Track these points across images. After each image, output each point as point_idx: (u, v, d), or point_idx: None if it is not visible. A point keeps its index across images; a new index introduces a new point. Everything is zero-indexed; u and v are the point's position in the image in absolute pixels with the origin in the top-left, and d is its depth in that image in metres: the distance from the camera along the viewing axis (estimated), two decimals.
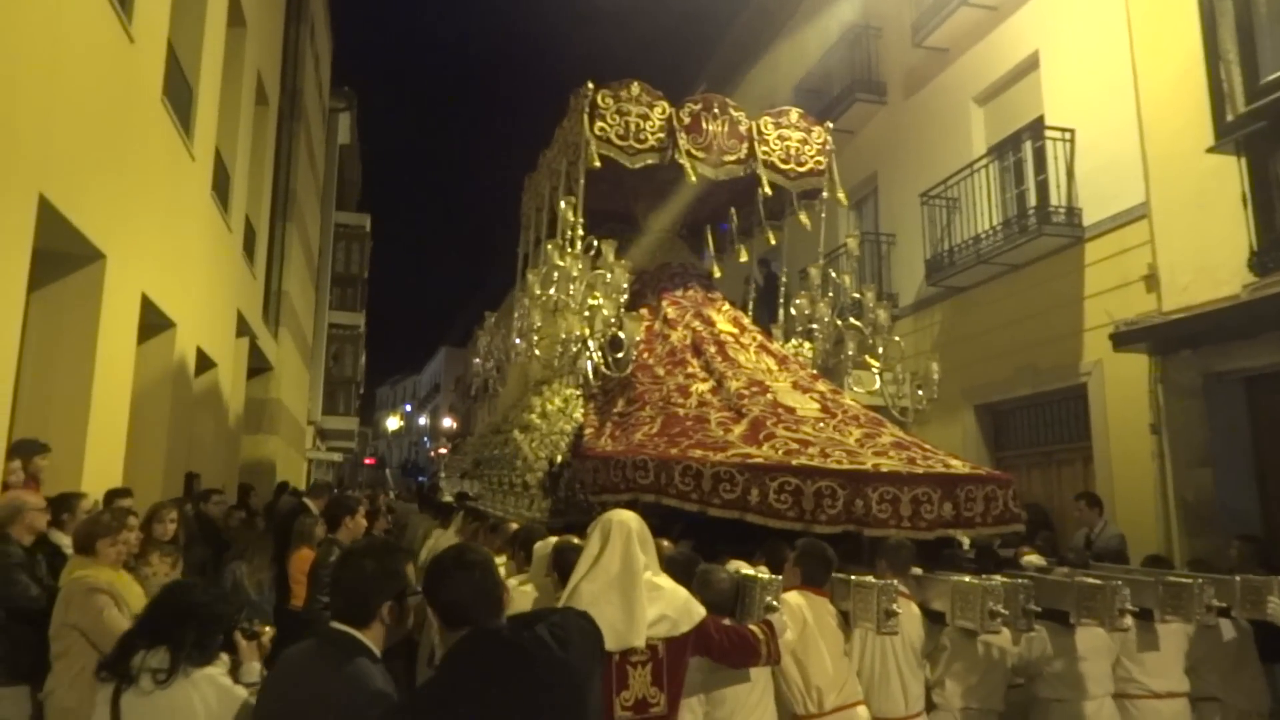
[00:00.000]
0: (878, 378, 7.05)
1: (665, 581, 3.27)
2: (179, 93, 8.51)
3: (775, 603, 3.51)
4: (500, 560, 4.33)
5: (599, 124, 6.85)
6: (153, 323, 8.42)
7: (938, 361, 7.68)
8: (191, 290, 9.56)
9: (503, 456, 7.20)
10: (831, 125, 8.09)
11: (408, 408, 68.14)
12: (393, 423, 66.98)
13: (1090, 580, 4.12)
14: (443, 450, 37.00)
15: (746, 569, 3.80)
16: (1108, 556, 6.81)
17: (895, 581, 3.88)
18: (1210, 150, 6.99)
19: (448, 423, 46.71)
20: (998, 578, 3.98)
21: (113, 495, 6.01)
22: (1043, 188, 9.25)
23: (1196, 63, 7.25)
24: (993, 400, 10.03)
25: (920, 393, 6.90)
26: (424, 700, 2.05)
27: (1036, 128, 9.40)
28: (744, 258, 9.23)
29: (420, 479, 37.42)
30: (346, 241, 27.62)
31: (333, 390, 28.25)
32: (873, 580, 3.82)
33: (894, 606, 3.66)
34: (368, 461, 55.59)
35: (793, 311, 7.98)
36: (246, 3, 11.43)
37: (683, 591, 3.29)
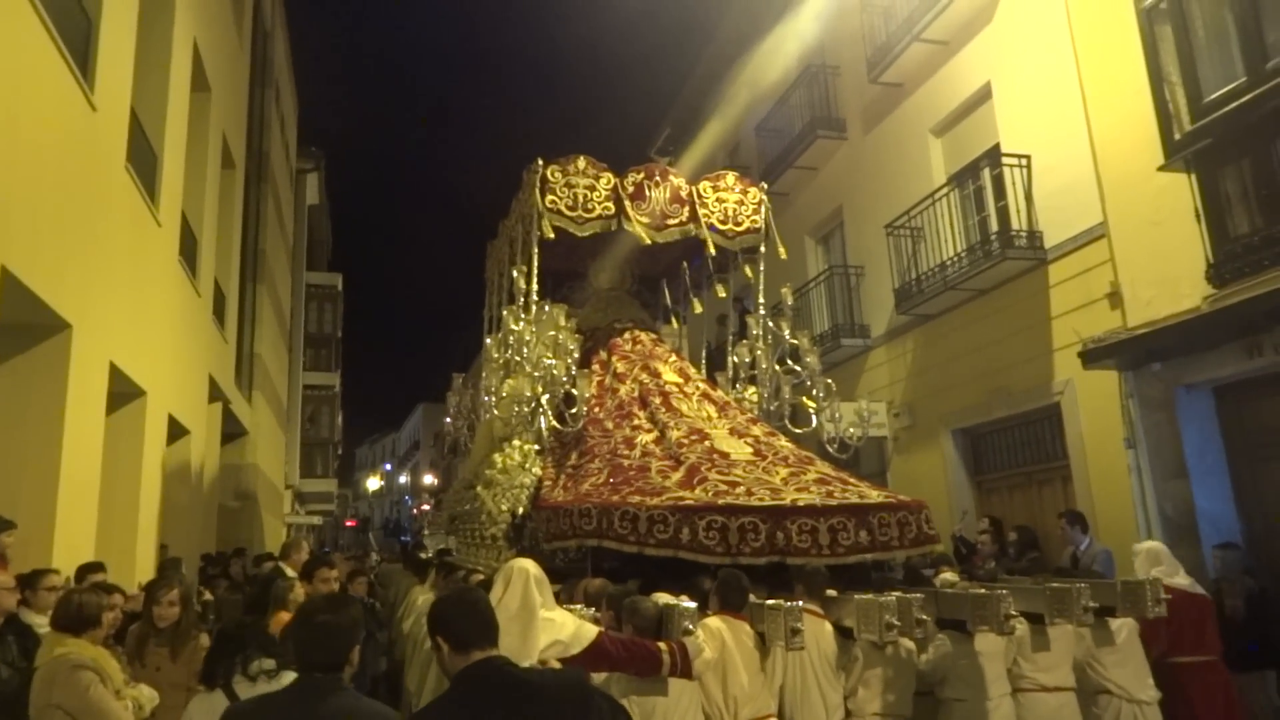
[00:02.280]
0: (814, 417, 7.42)
1: (559, 614, 3.77)
2: (143, 159, 8.52)
3: (691, 626, 3.98)
4: None
5: (549, 197, 7.36)
6: (122, 391, 8.32)
7: (895, 396, 7.72)
8: (161, 357, 9.47)
9: (472, 511, 7.42)
10: (766, 186, 8.64)
11: (388, 467, 67.43)
12: (373, 483, 66.21)
13: (980, 591, 4.59)
14: (425, 507, 36.56)
15: (669, 599, 4.23)
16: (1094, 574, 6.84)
17: (800, 603, 4.31)
18: (1161, 169, 7.17)
19: (429, 479, 46.21)
20: (894, 594, 4.44)
21: (85, 570, 5.86)
22: (1003, 213, 9.43)
23: (1142, 86, 7.47)
24: (970, 425, 10.10)
25: (851, 431, 7.28)
26: (441, 712, 2.35)
27: (994, 155, 9.61)
28: (717, 295, 9.34)
29: (404, 539, 36.87)
30: (318, 301, 27.56)
31: (310, 452, 27.94)
32: (781, 603, 4.24)
33: (798, 625, 4.11)
34: (349, 524, 54.77)
35: (734, 360, 8.49)
36: (210, 68, 11.51)
37: (574, 621, 3.77)
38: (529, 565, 3.74)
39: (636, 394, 7.27)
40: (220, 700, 3.39)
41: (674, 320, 9.69)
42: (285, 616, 5.81)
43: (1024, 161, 9.15)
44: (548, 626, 3.62)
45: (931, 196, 10.19)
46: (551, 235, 7.30)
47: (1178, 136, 6.99)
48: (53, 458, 6.36)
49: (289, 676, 3.27)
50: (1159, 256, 7.50)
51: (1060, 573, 5.87)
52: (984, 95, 9.99)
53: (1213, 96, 6.90)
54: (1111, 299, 8.02)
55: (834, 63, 13.00)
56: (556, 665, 3.46)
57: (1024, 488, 9.58)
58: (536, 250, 7.34)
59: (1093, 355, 7.79)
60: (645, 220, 7.66)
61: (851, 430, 7.37)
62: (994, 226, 9.63)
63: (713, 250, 8.07)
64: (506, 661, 2.40)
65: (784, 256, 8.37)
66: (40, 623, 4.97)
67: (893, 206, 10.93)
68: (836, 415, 7.37)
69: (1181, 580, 5.68)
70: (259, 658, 3.55)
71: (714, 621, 4.25)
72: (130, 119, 7.94)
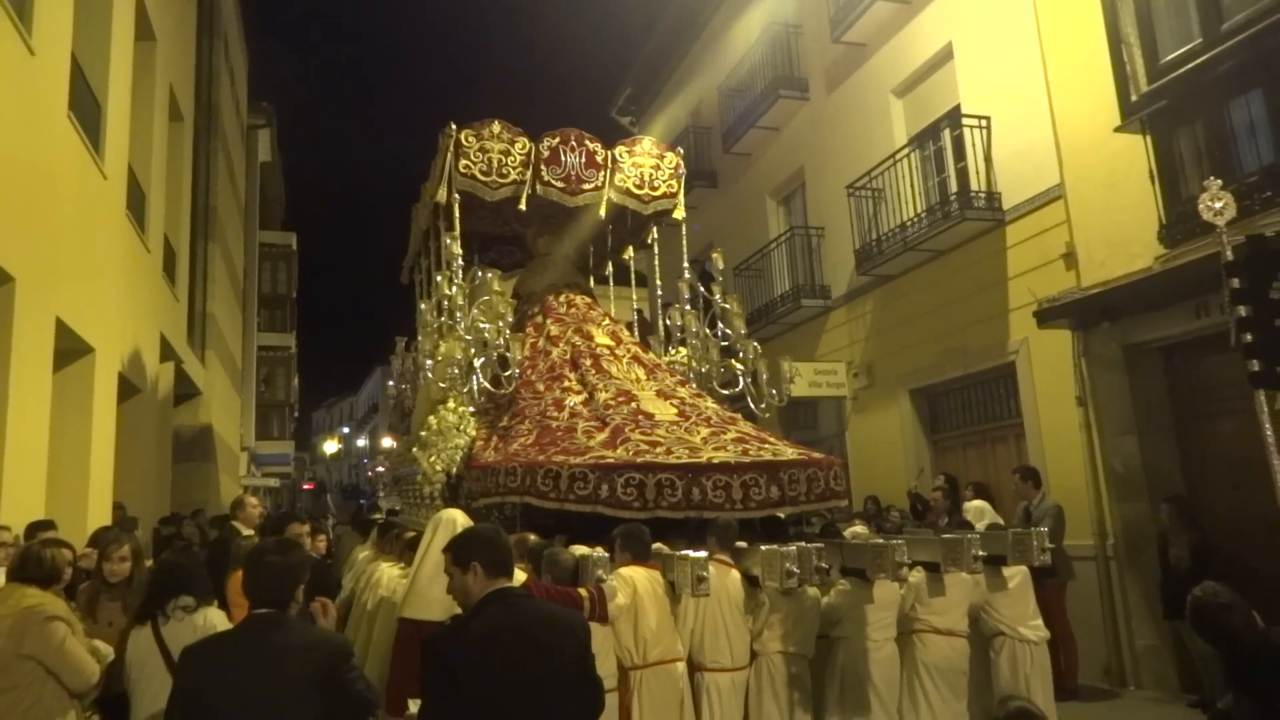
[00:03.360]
0: (741, 379, 7.60)
1: None
2: (86, 108, 8.20)
3: (604, 575, 4.34)
4: (399, 563, 5.76)
5: (464, 161, 7.37)
6: (70, 348, 8.08)
7: (854, 356, 7.81)
8: (110, 314, 9.21)
9: (411, 472, 7.56)
10: (682, 151, 8.66)
11: (345, 430, 66.72)
12: (330, 446, 65.51)
13: (879, 542, 4.94)
14: (379, 469, 36.43)
15: (585, 550, 4.59)
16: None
17: (707, 553, 4.63)
18: (1117, 130, 7.26)
19: (388, 442, 45.77)
20: (795, 545, 4.73)
21: (35, 528, 5.74)
22: (963, 175, 9.49)
23: (1100, 47, 7.53)
24: (927, 384, 10.26)
25: (774, 391, 7.42)
26: (465, 624, 2.72)
27: (954, 117, 9.64)
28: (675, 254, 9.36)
29: (362, 501, 36.68)
30: (272, 261, 27.01)
31: (265, 414, 27.57)
32: (689, 554, 4.55)
33: (704, 573, 4.41)
34: (306, 487, 54.25)
35: (665, 323, 8.67)
36: (155, 16, 11.07)
37: None
38: (457, 514, 4.01)
39: (568, 356, 7.43)
40: (147, 635, 3.87)
41: (631, 287, 9.72)
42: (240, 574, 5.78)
43: (984, 123, 9.21)
44: None
45: (893, 157, 10.23)
46: (457, 198, 7.32)
47: (1134, 98, 7.07)
48: None
49: (208, 612, 3.93)
50: (1113, 218, 7.62)
51: (961, 527, 6.21)
52: (945, 56, 10.01)
53: (1169, 58, 6.99)
54: (1067, 259, 8.15)
55: (796, 22, 12.91)
56: None
57: (979, 445, 9.79)
58: (459, 214, 7.37)
59: (1047, 315, 7.93)
60: (560, 185, 7.71)
61: (774, 392, 7.47)
62: (954, 188, 9.71)
63: (644, 210, 8.19)
64: (524, 592, 2.85)
65: (680, 218, 8.38)
66: None
67: (854, 167, 10.95)
68: (762, 376, 7.53)
69: None
70: (178, 596, 3.92)
71: (627, 570, 4.54)
72: (71, 66, 7.62)
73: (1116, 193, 7.57)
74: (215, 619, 3.97)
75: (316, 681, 2.62)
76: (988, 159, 9.21)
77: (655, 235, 9.17)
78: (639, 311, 11.15)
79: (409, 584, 4.16)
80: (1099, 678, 7.56)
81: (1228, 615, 3.25)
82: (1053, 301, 7.92)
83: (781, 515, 5.95)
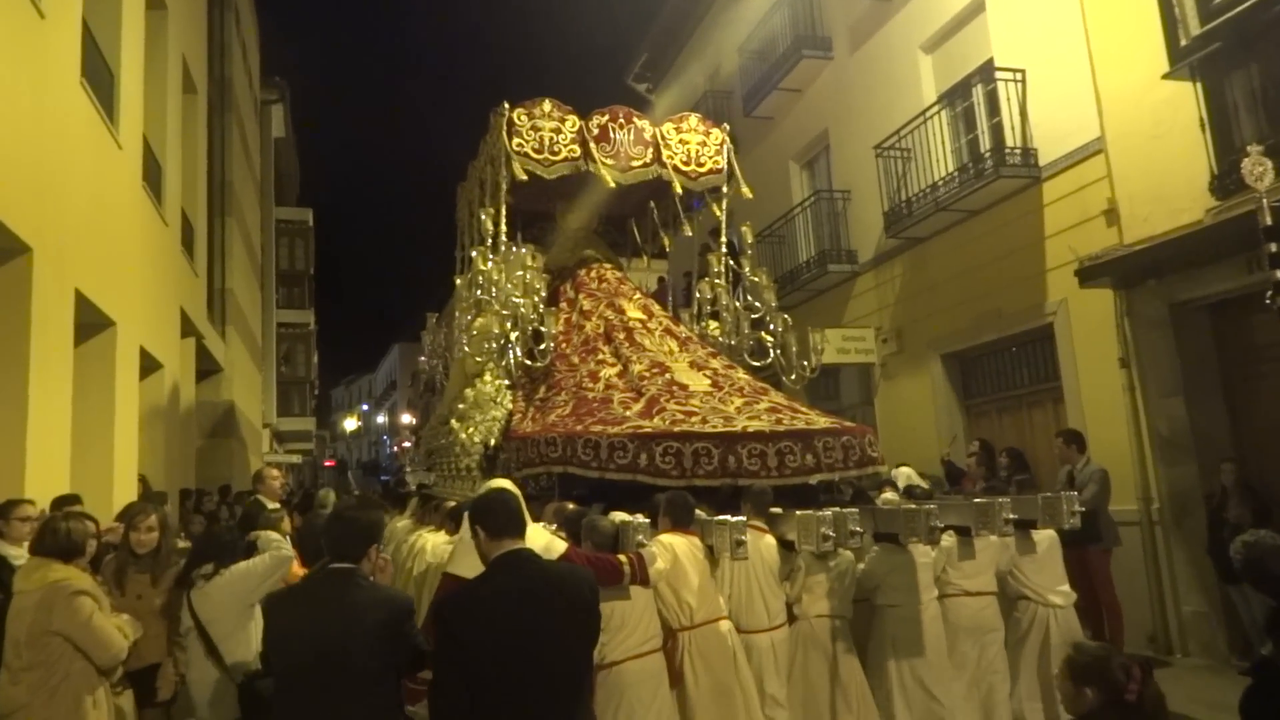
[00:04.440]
0: (771, 351, 7.68)
1: (531, 530, 4.00)
2: (99, 75, 8.03)
3: (645, 540, 4.36)
4: (440, 531, 5.89)
5: (516, 140, 7.52)
6: (90, 322, 7.98)
7: (882, 322, 7.63)
8: (130, 287, 9.09)
9: (448, 445, 7.61)
10: (728, 127, 8.71)
11: (365, 407, 67.04)
12: (350, 424, 65.90)
13: (911, 507, 4.95)
14: (406, 444, 36.67)
15: (625, 516, 4.61)
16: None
17: (744, 518, 4.68)
18: (1165, 76, 6.95)
19: (407, 419, 45.95)
20: (830, 509, 4.75)
21: (60, 502, 5.67)
22: (997, 130, 9.20)
23: None
24: (959, 348, 10.01)
25: (805, 363, 7.51)
26: (474, 588, 2.87)
27: (986, 71, 9.34)
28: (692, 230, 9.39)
29: (385, 479, 36.95)
30: (289, 237, 26.93)
31: (286, 391, 27.65)
32: (727, 519, 4.62)
33: (742, 537, 4.48)
34: (328, 464, 54.65)
35: (697, 295, 8.74)
36: None
37: (545, 535, 4.19)
38: (502, 483, 4.06)
39: (602, 330, 7.53)
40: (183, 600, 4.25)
41: (644, 258, 10.02)
42: None
43: (1019, 76, 8.89)
44: None
45: (922, 115, 9.93)
46: (524, 177, 7.42)
47: (1184, 42, 6.75)
48: (19, 387, 6.08)
49: (225, 575, 4.18)
50: (1158, 171, 7.32)
51: (990, 491, 6.16)
52: (977, 8, 9.66)
53: None
54: (1108, 216, 7.87)
55: None
56: None
57: (1014, 410, 9.55)
58: (505, 192, 7.49)
59: (1088, 273, 7.66)
60: (610, 162, 7.83)
61: (805, 364, 7.58)
62: (986, 145, 9.41)
63: (679, 189, 8.29)
64: (531, 553, 2.92)
65: (749, 196, 8.44)
66: (16, 554, 4.78)
67: (880, 128, 10.65)
68: (792, 349, 7.60)
69: None
70: (203, 565, 4.23)
71: (667, 536, 4.61)
72: (83, 32, 7.45)
73: (1161, 144, 7.27)
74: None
75: (382, 634, 2.85)
76: (1023, 113, 8.90)
77: (716, 210, 8.96)
78: (661, 279, 11.02)
79: (458, 544, 4.30)
80: (1144, 646, 7.37)
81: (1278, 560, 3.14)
82: (1095, 259, 7.64)
83: (812, 482, 5.96)
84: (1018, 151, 8.82)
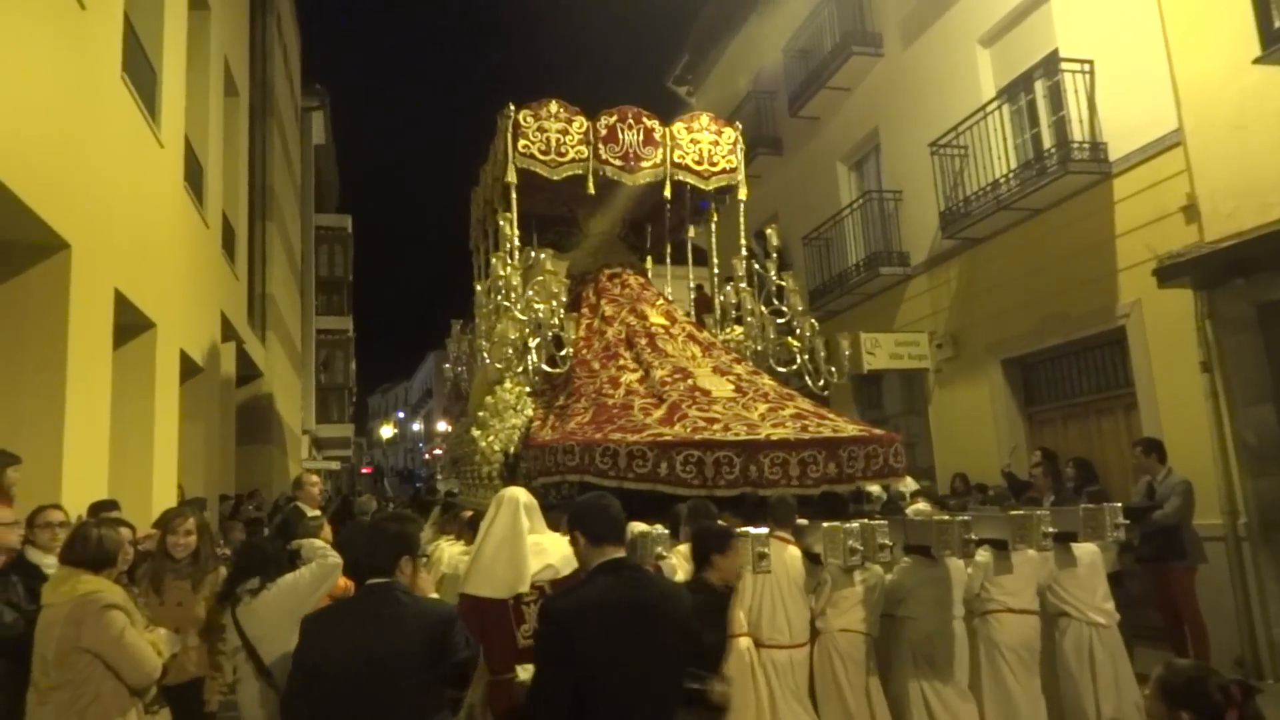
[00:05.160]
0: (798, 357, 7.55)
1: (548, 540, 4.02)
2: (140, 72, 7.92)
3: (663, 551, 4.27)
4: (459, 541, 5.62)
5: (523, 141, 7.47)
6: (130, 323, 7.86)
7: (937, 326, 7.29)
8: (170, 288, 8.99)
9: (470, 453, 7.52)
10: (740, 125, 8.50)
11: (400, 415, 67.43)
12: (386, 431, 66.26)
13: (943, 519, 4.71)
14: (437, 451, 36.68)
15: (643, 527, 4.42)
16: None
17: (767, 530, 4.58)
18: (1256, 61, 6.51)
19: (442, 426, 46.09)
20: (858, 522, 4.66)
21: (97, 508, 5.47)
22: (1061, 125, 8.79)
23: None
24: (1021, 353, 9.56)
25: (833, 369, 7.39)
26: (575, 591, 2.84)
27: (1050, 63, 8.94)
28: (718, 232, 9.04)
29: (418, 485, 37.04)
30: (328, 244, 27.03)
31: (325, 398, 27.70)
32: (748, 530, 4.47)
33: (765, 550, 4.40)
34: (365, 470, 54.99)
35: (720, 300, 8.55)
36: None
37: (565, 545, 3.87)
38: (519, 493, 4.04)
39: (623, 336, 7.43)
40: (228, 616, 3.98)
41: (686, 265, 10.15)
42: None
43: (1086, 67, 8.47)
44: (538, 551, 3.93)
45: (981, 111, 9.53)
46: (513, 180, 7.36)
47: (1278, 24, 6.32)
48: (57, 388, 5.93)
49: (272, 589, 3.90)
50: (1243, 164, 6.88)
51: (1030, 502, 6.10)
52: None
53: None
54: (1187, 212, 7.43)
55: None
56: (548, 589, 3.81)
57: (1080, 418, 9.08)
58: (515, 195, 7.41)
59: (1168, 273, 7.22)
60: (618, 163, 7.76)
61: (833, 370, 7.50)
62: (1047, 141, 9.00)
63: (703, 186, 8.14)
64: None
65: (742, 198, 8.32)
66: (49, 562, 4.58)
67: (935, 126, 10.26)
68: (820, 354, 7.51)
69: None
70: (248, 579, 3.99)
71: (685, 547, 4.46)
72: (124, 26, 7.33)
73: (1247, 135, 6.82)
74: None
75: (425, 649, 2.80)
76: (1091, 106, 8.47)
77: (715, 214, 8.88)
78: (698, 287, 10.73)
79: (471, 561, 4.10)
80: (1231, 669, 6.88)
81: None
82: (1176, 258, 7.20)
83: (840, 492, 5.83)
84: (1086, 146, 8.40)
